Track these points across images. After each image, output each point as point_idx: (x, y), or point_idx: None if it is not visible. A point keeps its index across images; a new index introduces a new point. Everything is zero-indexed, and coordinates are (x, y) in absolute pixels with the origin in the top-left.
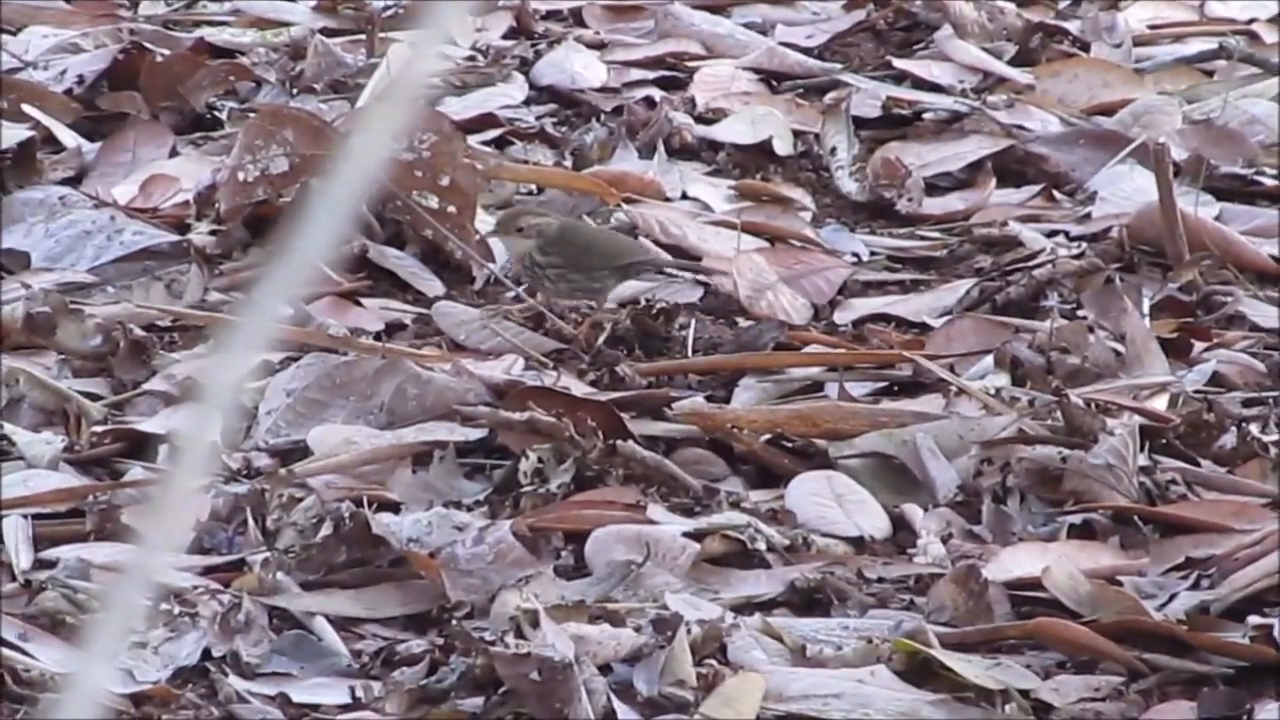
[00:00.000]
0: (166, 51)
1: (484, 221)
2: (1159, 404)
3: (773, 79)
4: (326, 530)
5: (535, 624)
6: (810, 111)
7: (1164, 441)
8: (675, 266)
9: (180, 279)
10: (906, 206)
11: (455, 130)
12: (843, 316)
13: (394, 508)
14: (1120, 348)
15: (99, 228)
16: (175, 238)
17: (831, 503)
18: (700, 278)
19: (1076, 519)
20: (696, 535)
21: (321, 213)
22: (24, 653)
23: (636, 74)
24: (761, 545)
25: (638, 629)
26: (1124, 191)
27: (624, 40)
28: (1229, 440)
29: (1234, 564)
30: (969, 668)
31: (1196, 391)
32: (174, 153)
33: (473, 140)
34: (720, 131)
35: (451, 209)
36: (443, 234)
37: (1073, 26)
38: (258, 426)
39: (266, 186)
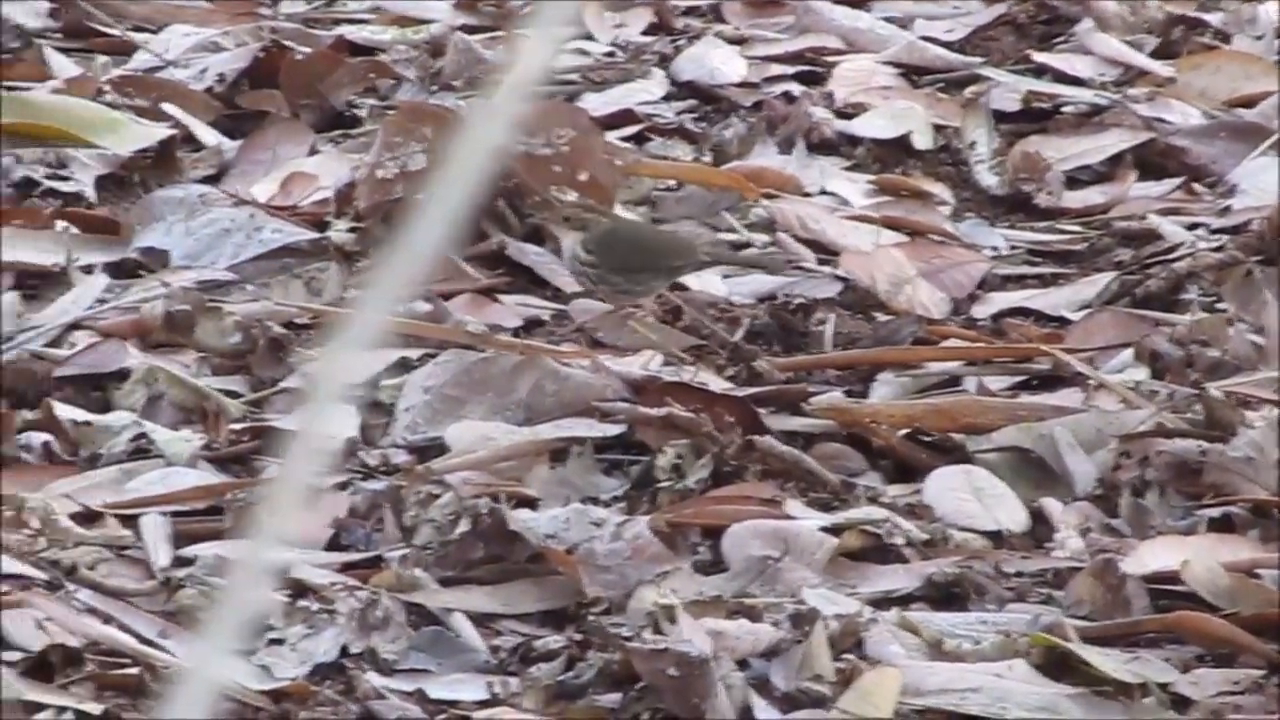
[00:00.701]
0: (307, 49)
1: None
2: None
3: (912, 73)
4: (464, 526)
5: (673, 619)
6: (950, 106)
7: None
8: (737, 263)
9: (319, 276)
10: (1046, 200)
11: (594, 125)
12: (981, 311)
13: (531, 504)
14: (1260, 340)
15: (238, 225)
16: (314, 235)
17: (969, 497)
18: (838, 272)
19: (1215, 512)
20: (834, 530)
21: (436, 208)
22: (162, 649)
23: (776, 69)
24: (899, 540)
25: (775, 624)
26: (1265, 184)
27: (763, 35)
28: None
29: None
30: (1107, 662)
31: None
32: (313, 150)
33: (612, 136)
34: (859, 126)
35: (590, 204)
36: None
37: (1214, 19)
38: (395, 423)
39: (405, 183)
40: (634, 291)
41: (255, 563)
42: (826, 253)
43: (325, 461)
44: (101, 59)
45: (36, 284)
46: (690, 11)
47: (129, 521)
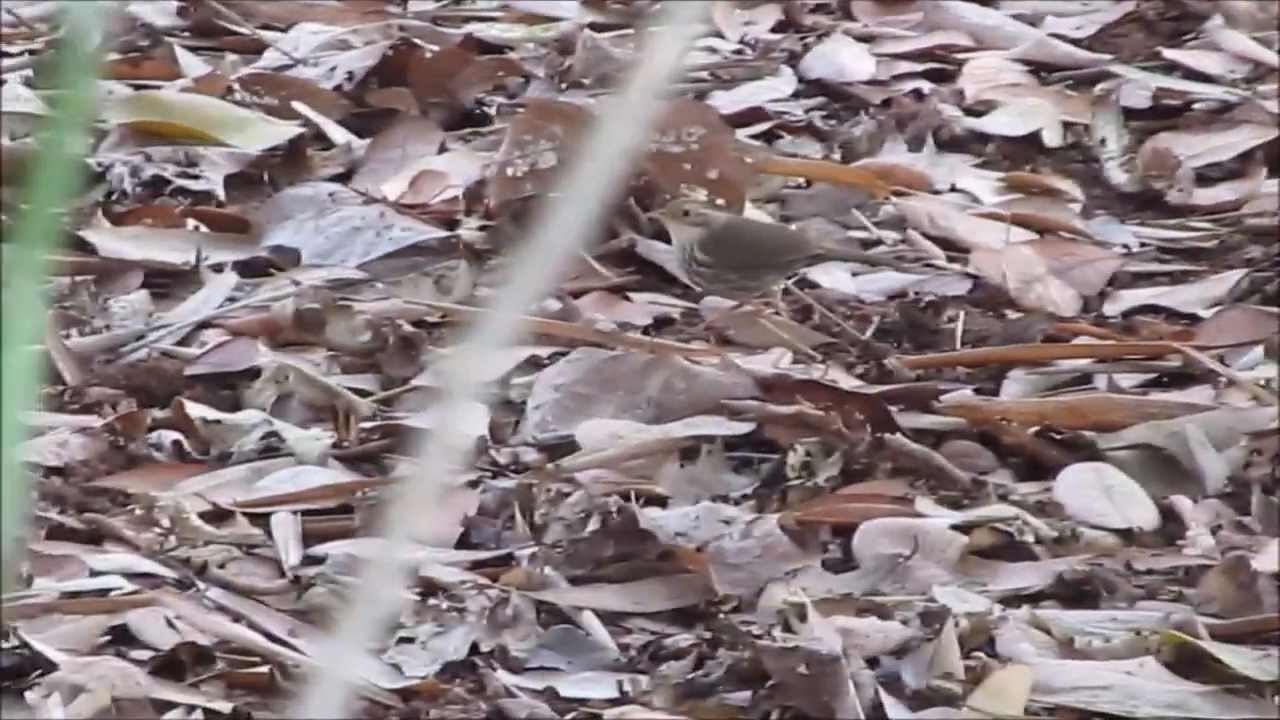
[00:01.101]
0: (435, 47)
1: (752, 216)
2: None
3: (1042, 70)
4: (594, 525)
5: (803, 617)
6: (1080, 103)
7: None
8: (852, 258)
9: (449, 275)
10: (1176, 197)
11: (723, 123)
12: (1112, 308)
13: (661, 502)
14: None
15: (368, 224)
16: (444, 233)
17: (1100, 495)
18: (968, 270)
19: None
20: (964, 528)
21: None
22: (292, 648)
23: (905, 66)
24: (1029, 537)
25: (905, 622)
26: None
27: (892, 33)
28: None
29: None
30: (1238, 659)
31: None
32: (443, 149)
33: (741, 134)
34: (989, 123)
35: (719, 202)
36: None
37: None
38: (526, 422)
39: (535, 182)
40: (749, 288)
41: (386, 561)
42: (956, 250)
43: (457, 460)
44: (231, 57)
45: (167, 283)
46: (819, 9)
47: (259, 520)
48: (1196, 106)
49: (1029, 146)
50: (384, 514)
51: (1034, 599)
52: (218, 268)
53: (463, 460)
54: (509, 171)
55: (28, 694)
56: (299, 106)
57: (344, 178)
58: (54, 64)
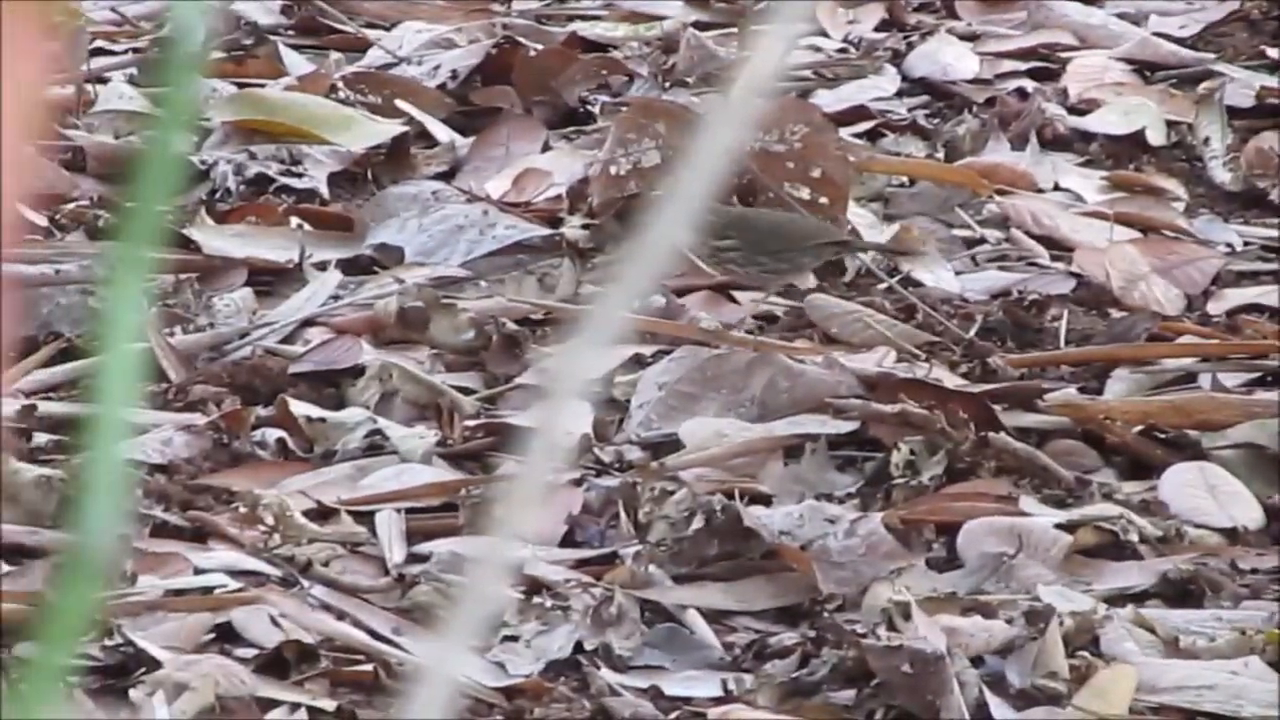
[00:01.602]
0: (539, 46)
1: (857, 214)
2: None
3: (1146, 69)
4: (698, 523)
5: (907, 616)
6: (1183, 102)
7: None
8: (872, 248)
9: (553, 273)
10: None
11: (826, 121)
12: (1216, 307)
13: (765, 500)
14: None
15: (471, 222)
16: (547, 231)
17: (1204, 494)
18: (1071, 269)
19: None
20: (1068, 527)
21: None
22: (397, 646)
23: (1009, 65)
24: (1134, 537)
25: (1009, 621)
26: None
27: (996, 31)
28: None
29: None
30: None
31: None
32: (546, 147)
33: (845, 133)
34: (1092, 122)
35: (824, 200)
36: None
37: None
38: (630, 420)
39: (639, 180)
40: (781, 270)
41: (490, 560)
42: (1060, 249)
43: (561, 459)
44: (334, 56)
45: (270, 280)
46: (923, 7)
47: (363, 518)
48: None
49: (1132, 145)
50: (489, 512)
51: (1138, 598)
52: (321, 265)
53: (567, 459)
54: (612, 170)
55: (131, 692)
56: (403, 105)
57: (447, 176)
58: (158, 62)
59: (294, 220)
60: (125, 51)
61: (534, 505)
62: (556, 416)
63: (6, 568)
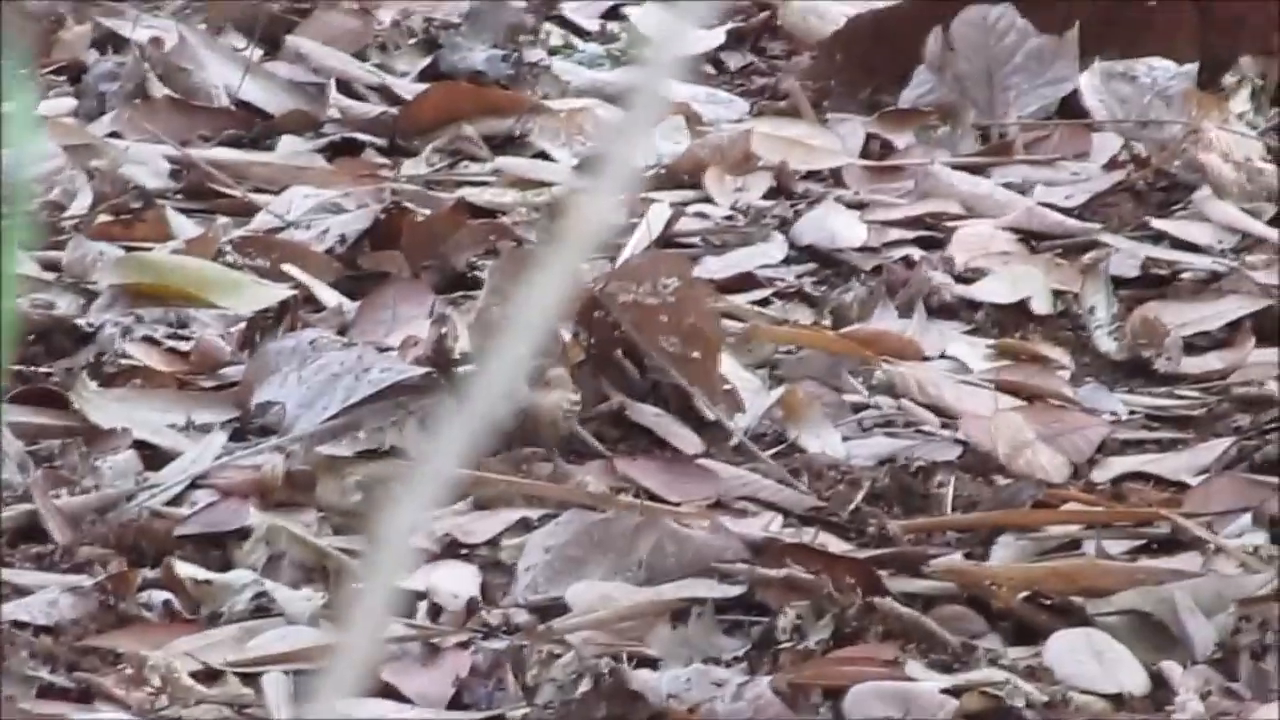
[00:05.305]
0: (427, 211)
1: (742, 379)
2: None
3: (1032, 238)
4: (585, 686)
5: None
6: (1069, 271)
7: None
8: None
9: (432, 414)
10: (1165, 365)
11: (699, 277)
12: (1101, 475)
13: (652, 664)
14: None
15: (347, 369)
16: (424, 370)
17: (1090, 659)
18: (958, 436)
19: None
20: (955, 692)
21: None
22: None
23: (896, 233)
24: (1020, 702)
25: None
26: None
27: (884, 200)
28: None
29: None
30: None
31: None
32: (433, 311)
33: (734, 299)
34: (979, 290)
35: (695, 354)
36: (685, 386)
37: None
38: (516, 583)
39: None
40: None
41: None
42: (947, 416)
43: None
44: (222, 219)
45: (156, 443)
46: (810, 176)
47: (250, 680)
48: (1185, 276)
49: (1018, 314)
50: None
51: None
52: (206, 428)
53: (454, 621)
54: (485, 317)
55: None
56: (290, 269)
57: None
58: None
59: (178, 383)
60: None
61: (365, 667)
62: (383, 575)
63: None
